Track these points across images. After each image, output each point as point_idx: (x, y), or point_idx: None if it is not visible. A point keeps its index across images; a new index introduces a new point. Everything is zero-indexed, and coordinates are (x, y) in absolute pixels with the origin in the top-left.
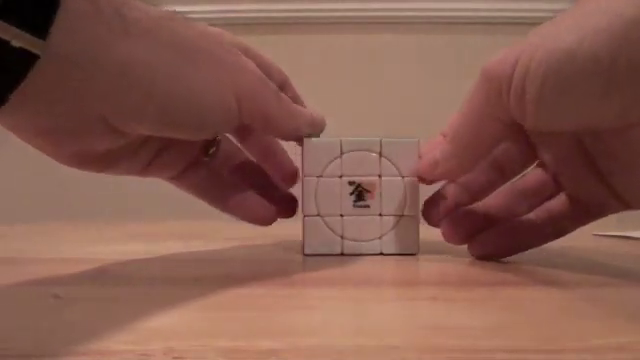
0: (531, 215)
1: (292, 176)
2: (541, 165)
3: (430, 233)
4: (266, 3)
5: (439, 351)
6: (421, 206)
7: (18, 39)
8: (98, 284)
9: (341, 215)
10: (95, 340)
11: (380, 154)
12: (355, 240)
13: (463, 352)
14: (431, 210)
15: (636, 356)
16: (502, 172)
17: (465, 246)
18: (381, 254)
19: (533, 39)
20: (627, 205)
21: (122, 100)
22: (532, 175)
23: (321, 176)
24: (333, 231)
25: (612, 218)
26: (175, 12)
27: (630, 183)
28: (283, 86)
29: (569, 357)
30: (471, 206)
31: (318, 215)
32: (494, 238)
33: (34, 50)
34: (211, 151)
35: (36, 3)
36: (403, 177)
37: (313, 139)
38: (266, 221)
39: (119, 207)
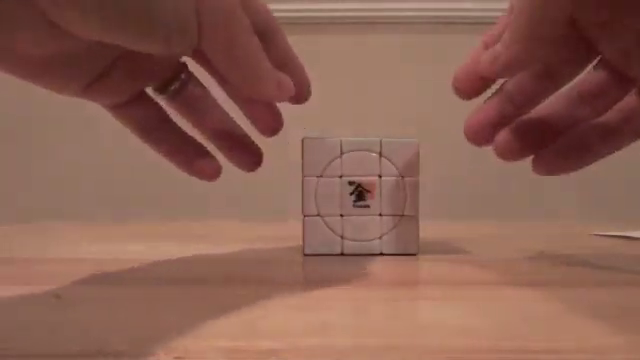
0: (602, 119)
1: (274, 129)
2: (602, 65)
3: (430, 233)
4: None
5: (439, 351)
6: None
7: None
8: (98, 284)
9: (341, 215)
10: (95, 340)
11: (380, 154)
12: (355, 240)
13: (463, 352)
14: (474, 126)
15: (636, 356)
16: (552, 78)
17: (464, 246)
18: (381, 254)
19: None
20: None
21: None
22: (591, 76)
23: (321, 176)
24: (333, 231)
25: (612, 218)
26: None
27: None
28: (269, 34)
29: (569, 357)
30: (528, 115)
31: (318, 215)
32: (564, 149)
33: None
34: (173, 87)
35: None
36: (403, 177)
37: (313, 139)
38: (209, 178)
39: (119, 207)
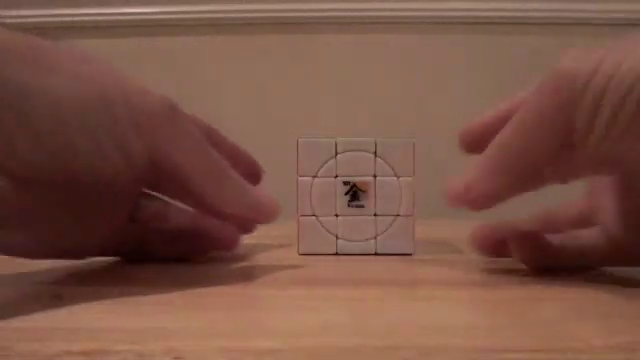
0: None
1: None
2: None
3: (425, 233)
4: (265, 3)
5: (439, 351)
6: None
7: None
8: (98, 284)
9: (336, 215)
10: (95, 340)
11: (375, 154)
12: (350, 240)
13: (463, 352)
14: (469, 135)
15: (636, 356)
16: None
17: (459, 246)
18: (376, 254)
19: (621, 45)
20: None
21: (5, 132)
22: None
23: (316, 176)
24: (328, 231)
25: None
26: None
27: None
28: (212, 137)
29: (569, 357)
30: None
31: (313, 215)
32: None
33: None
34: (138, 214)
35: None
36: (398, 177)
37: (308, 139)
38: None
39: None
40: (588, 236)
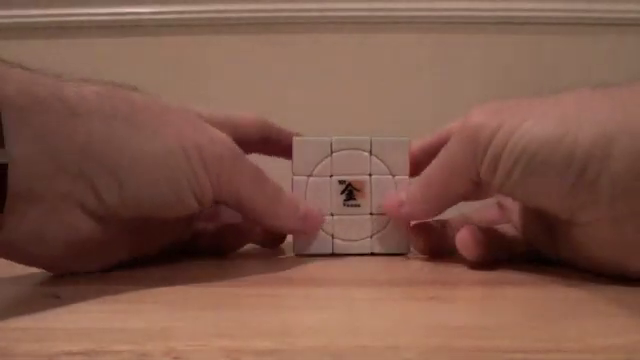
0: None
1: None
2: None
3: None
4: (265, 3)
5: (439, 351)
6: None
7: None
8: (98, 284)
9: (331, 214)
10: (95, 340)
11: (370, 153)
12: (345, 239)
13: (463, 352)
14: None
15: (636, 356)
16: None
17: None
18: (372, 254)
19: (518, 111)
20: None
21: (91, 180)
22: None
23: (311, 175)
24: (324, 230)
25: None
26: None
27: (572, 259)
28: (267, 134)
29: (569, 357)
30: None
31: None
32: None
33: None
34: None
35: None
36: (394, 176)
37: (302, 138)
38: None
39: None
40: (508, 230)
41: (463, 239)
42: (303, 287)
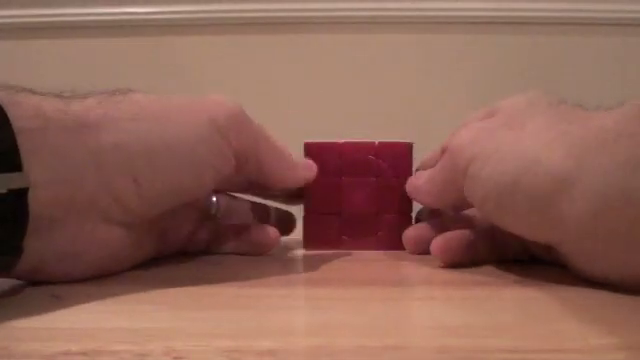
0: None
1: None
2: None
3: None
4: (264, 3)
5: (439, 351)
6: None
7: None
8: (98, 284)
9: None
10: (95, 340)
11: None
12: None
13: (464, 352)
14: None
15: (636, 356)
16: None
17: None
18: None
19: (489, 145)
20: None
21: (109, 186)
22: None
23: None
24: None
25: None
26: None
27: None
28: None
29: (569, 357)
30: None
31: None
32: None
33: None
34: (214, 211)
35: None
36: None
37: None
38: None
39: None
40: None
41: (436, 246)
42: (303, 287)
